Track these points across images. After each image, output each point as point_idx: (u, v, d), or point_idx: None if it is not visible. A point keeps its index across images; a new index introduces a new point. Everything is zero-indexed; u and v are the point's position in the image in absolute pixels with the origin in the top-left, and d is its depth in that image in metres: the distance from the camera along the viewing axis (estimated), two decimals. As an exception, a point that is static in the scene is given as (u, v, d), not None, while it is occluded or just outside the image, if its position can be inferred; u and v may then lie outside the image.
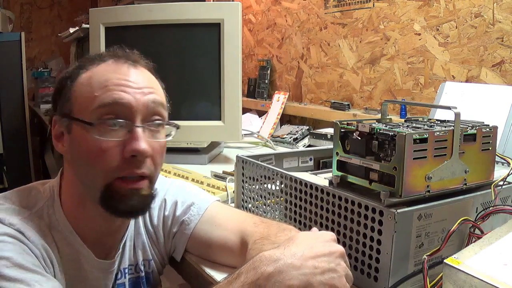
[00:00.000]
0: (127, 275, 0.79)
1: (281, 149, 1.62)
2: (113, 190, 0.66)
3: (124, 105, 0.66)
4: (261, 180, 0.91)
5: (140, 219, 0.81)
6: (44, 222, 0.68)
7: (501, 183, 0.72)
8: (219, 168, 1.32)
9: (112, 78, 0.67)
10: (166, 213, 0.82)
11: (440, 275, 0.58)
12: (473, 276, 0.52)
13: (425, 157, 0.65)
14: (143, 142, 0.66)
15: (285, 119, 2.03)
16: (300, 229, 0.79)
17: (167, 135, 0.74)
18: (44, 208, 0.70)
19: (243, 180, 0.96)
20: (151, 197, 0.71)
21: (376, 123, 0.76)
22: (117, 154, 0.65)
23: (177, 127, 0.75)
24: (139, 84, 0.69)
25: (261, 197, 0.93)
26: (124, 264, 0.79)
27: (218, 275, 0.76)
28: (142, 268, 0.81)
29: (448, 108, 0.69)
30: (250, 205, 0.94)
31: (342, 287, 0.57)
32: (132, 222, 0.80)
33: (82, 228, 0.71)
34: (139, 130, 0.67)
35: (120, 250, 0.78)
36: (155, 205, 0.82)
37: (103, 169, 0.65)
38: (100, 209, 0.68)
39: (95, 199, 0.67)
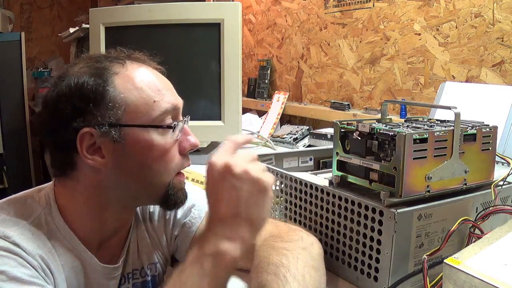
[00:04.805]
0: (131, 280, 0.78)
1: (281, 149, 1.62)
2: (174, 185, 0.70)
3: (178, 108, 0.71)
4: (261, 180, 0.91)
5: (142, 223, 0.80)
6: (43, 231, 0.66)
7: (501, 183, 0.72)
8: (219, 168, 1.31)
9: (156, 82, 0.69)
10: (167, 216, 0.81)
11: (440, 275, 0.58)
12: (473, 276, 0.52)
13: (425, 157, 0.66)
14: (193, 135, 0.72)
15: (285, 119, 2.03)
16: (300, 229, 0.79)
17: None
18: (41, 216, 0.68)
19: (243, 180, 0.96)
20: None
21: (376, 123, 0.76)
22: (177, 151, 0.70)
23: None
24: (170, 85, 0.73)
25: (261, 197, 0.93)
26: (128, 269, 0.78)
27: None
28: (148, 272, 0.80)
29: (448, 108, 0.69)
30: (250, 205, 0.94)
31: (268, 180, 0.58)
32: (133, 225, 0.79)
33: (85, 233, 0.70)
34: (187, 126, 0.73)
35: (124, 254, 0.77)
36: (155, 208, 0.81)
37: (169, 167, 0.69)
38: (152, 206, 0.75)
39: (152, 199, 0.71)
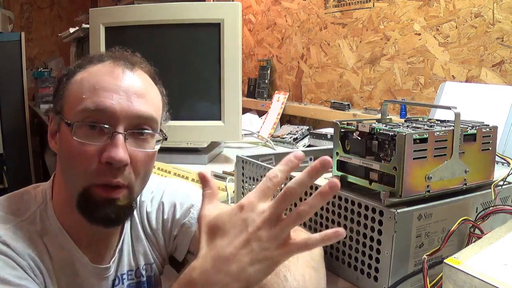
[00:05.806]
0: (125, 280, 0.78)
1: (281, 149, 1.62)
2: (89, 196, 0.64)
3: (107, 112, 0.64)
4: (261, 180, 0.91)
5: (139, 223, 0.80)
6: (35, 229, 0.67)
7: (501, 183, 0.72)
8: (219, 168, 1.32)
9: (102, 81, 0.66)
10: (165, 216, 0.80)
11: (440, 275, 0.58)
12: (473, 276, 0.52)
13: (425, 157, 0.66)
14: (121, 149, 0.63)
15: (285, 119, 2.02)
16: (300, 229, 0.79)
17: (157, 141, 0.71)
18: (36, 213, 0.68)
19: (243, 180, 0.96)
20: (129, 208, 0.68)
21: (376, 123, 0.76)
22: (95, 159, 0.63)
23: (165, 138, 0.72)
24: (130, 90, 0.66)
25: (261, 197, 0.93)
26: (122, 270, 0.77)
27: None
28: (143, 272, 0.80)
29: (448, 108, 0.69)
30: (250, 205, 0.94)
31: (278, 258, 0.51)
32: (128, 226, 0.78)
33: (75, 231, 0.70)
34: (120, 137, 0.64)
35: (117, 255, 0.76)
36: (153, 208, 0.80)
37: (80, 172, 0.64)
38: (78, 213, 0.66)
39: (74, 202, 0.66)
